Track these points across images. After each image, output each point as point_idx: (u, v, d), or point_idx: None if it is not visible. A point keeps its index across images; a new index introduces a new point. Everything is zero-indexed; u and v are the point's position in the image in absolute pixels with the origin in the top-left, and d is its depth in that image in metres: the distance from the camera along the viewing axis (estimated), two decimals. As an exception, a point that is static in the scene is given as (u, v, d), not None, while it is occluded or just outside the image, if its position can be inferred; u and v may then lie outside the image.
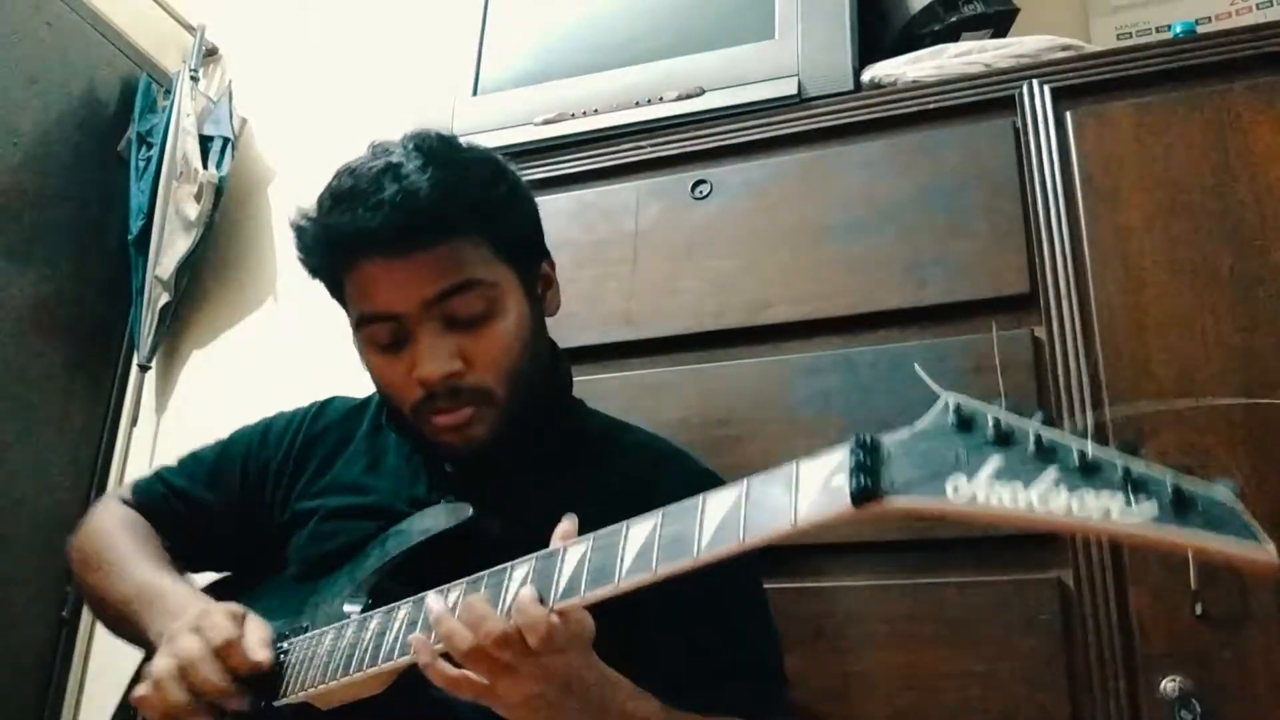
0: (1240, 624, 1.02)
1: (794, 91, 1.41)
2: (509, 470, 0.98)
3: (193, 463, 1.15)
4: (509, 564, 0.79)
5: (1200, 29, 1.42)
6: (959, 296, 1.24)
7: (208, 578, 1.13)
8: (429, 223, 0.92)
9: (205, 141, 2.18)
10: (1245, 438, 1.08)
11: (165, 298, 2.11)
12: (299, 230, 0.99)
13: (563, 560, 0.75)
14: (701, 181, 1.41)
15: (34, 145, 2.05)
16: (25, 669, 1.94)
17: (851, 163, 1.35)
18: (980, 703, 1.08)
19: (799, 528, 0.63)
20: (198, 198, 2.11)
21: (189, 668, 0.85)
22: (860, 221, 1.31)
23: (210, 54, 2.42)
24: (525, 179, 1.08)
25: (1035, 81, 1.29)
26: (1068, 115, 1.27)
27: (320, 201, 0.97)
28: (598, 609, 0.74)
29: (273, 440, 1.12)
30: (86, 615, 2.00)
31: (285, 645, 0.91)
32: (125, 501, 1.14)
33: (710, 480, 1.03)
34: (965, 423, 0.58)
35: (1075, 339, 1.17)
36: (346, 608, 0.92)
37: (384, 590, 0.92)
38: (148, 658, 1.05)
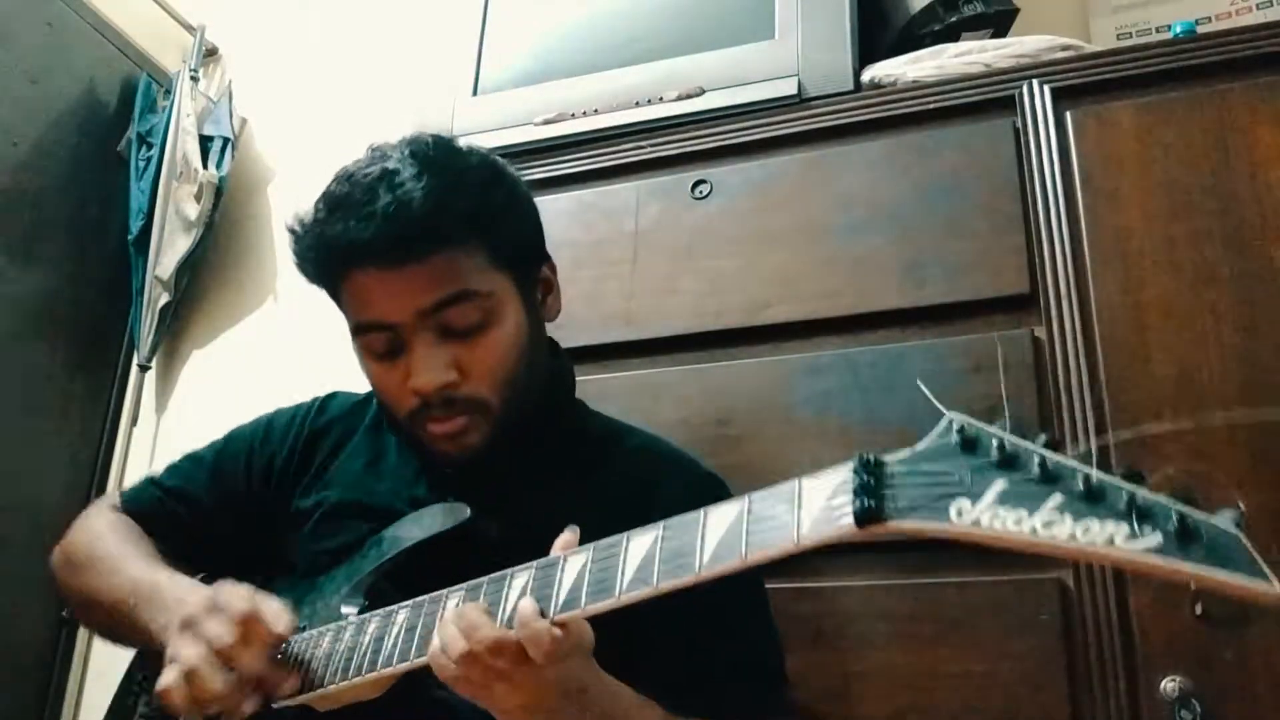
0: (1240, 624, 1.02)
1: (794, 91, 1.41)
2: (508, 472, 0.98)
3: (189, 464, 1.13)
4: (508, 571, 0.79)
5: (1200, 29, 1.42)
6: (959, 296, 1.24)
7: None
8: (423, 233, 0.91)
9: (205, 141, 2.18)
10: (1246, 439, 1.08)
11: (165, 298, 2.11)
12: (294, 237, 0.98)
13: (563, 571, 0.75)
14: (701, 181, 1.41)
15: (34, 145, 2.05)
16: (25, 669, 1.94)
17: (851, 163, 1.35)
18: (980, 703, 1.08)
19: (801, 546, 0.64)
20: (198, 198, 2.11)
21: (227, 651, 0.82)
22: (860, 221, 1.31)
23: (210, 54, 2.42)
24: (525, 179, 1.07)
25: (1035, 81, 1.29)
26: (1068, 115, 1.27)
27: (315, 208, 0.97)
28: (597, 615, 0.74)
29: (276, 436, 1.12)
30: (86, 615, 2.00)
31: (284, 645, 0.91)
32: (114, 508, 1.12)
33: (712, 484, 1.04)
34: (969, 444, 0.59)
35: (1075, 339, 1.17)
36: (344, 608, 0.91)
37: (381, 591, 0.92)
38: (143, 656, 1.05)
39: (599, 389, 1.26)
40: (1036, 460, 0.55)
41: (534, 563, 0.78)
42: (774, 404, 1.26)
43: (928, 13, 1.52)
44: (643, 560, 0.70)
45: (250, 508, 1.09)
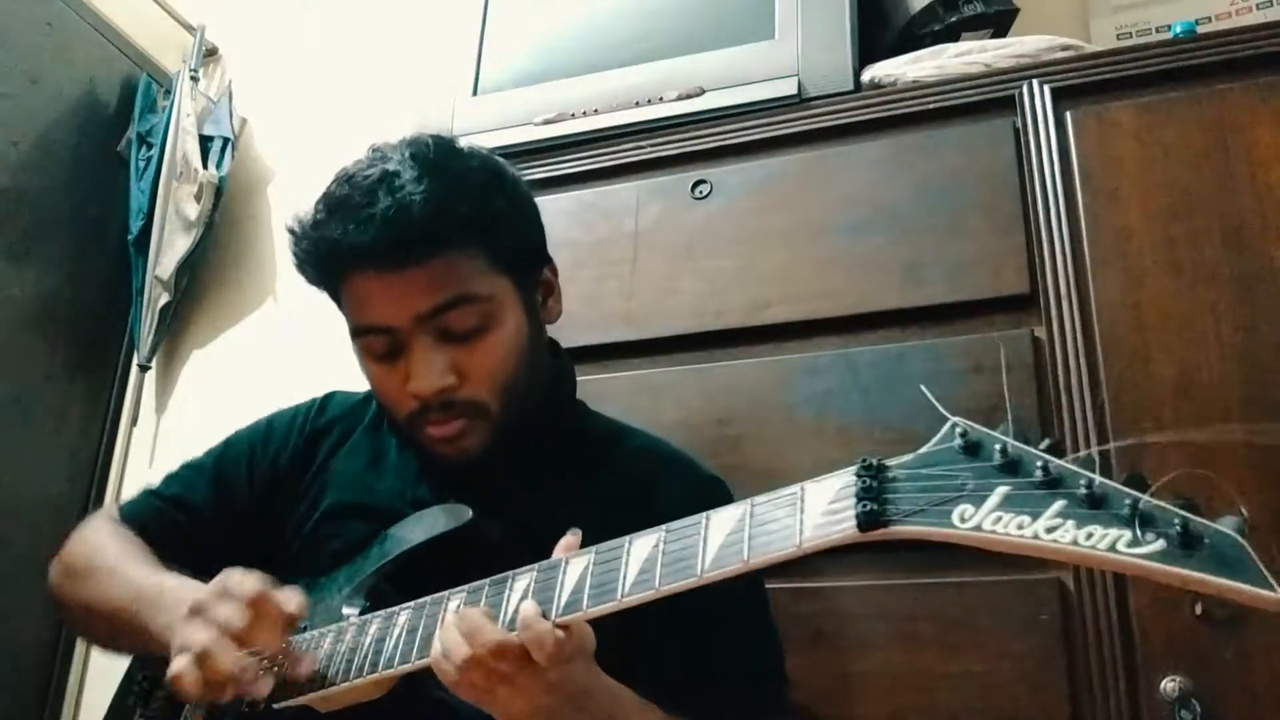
0: (1240, 624, 1.02)
1: (794, 91, 1.41)
2: (508, 474, 0.98)
3: (189, 472, 1.12)
4: (510, 574, 0.79)
5: (1200, 29, 1.42)
6: (959, 296, 1.24)
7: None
8: (422, 236, 0.90)
9: (205, 141, 2.18)
10: (1246, 438, 1.08)
11: (165, 298, 2.11)
12: (294, 238, 0.98)
13: (565, 573, 0.75)
14: (701, 181, 1.41)
15: (34, 145, 2.05)
16: (25, 669, 1.94)
17: (851, 163, 1.35)
18: (980, 703, 1.08)
19: (804, 549, 0.64)
20: (198, 198, 2.11)
21: (240, 634, 0.80)
22: (860, 221, 1.31)
23: (210, 54, 2.42)
24: (525, 179, 1.07)
25: (1035, 81, 1.29)
26: (1068, 115, 1.27)
27: (315, 209, 0.96)
28: (598, 618, 0.74)
29: (277, 438, 1.11)
30: (86, 615, 2.00)
31: (285, 645, 0.91)
32: (113, 520, 1.09)
33: (713, 486, 1.04)
34: (972, 448, 0.59)
35: (1075, 339, 1.17)
36: (345, 609, 0.91)
37: (382, 592, 0.92)
38: (142, 660, 1.03)
39: (599, 389, 1.26)
40: (1039, 465, 0.56)
41: (535, 565, 0.78)
42: (774, 404, 1.26)
43: (928, 13, 1.52)
44: (645, 563, 0.71)
45: (252, 511, 1.08)
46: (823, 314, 1.29)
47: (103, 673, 1.98)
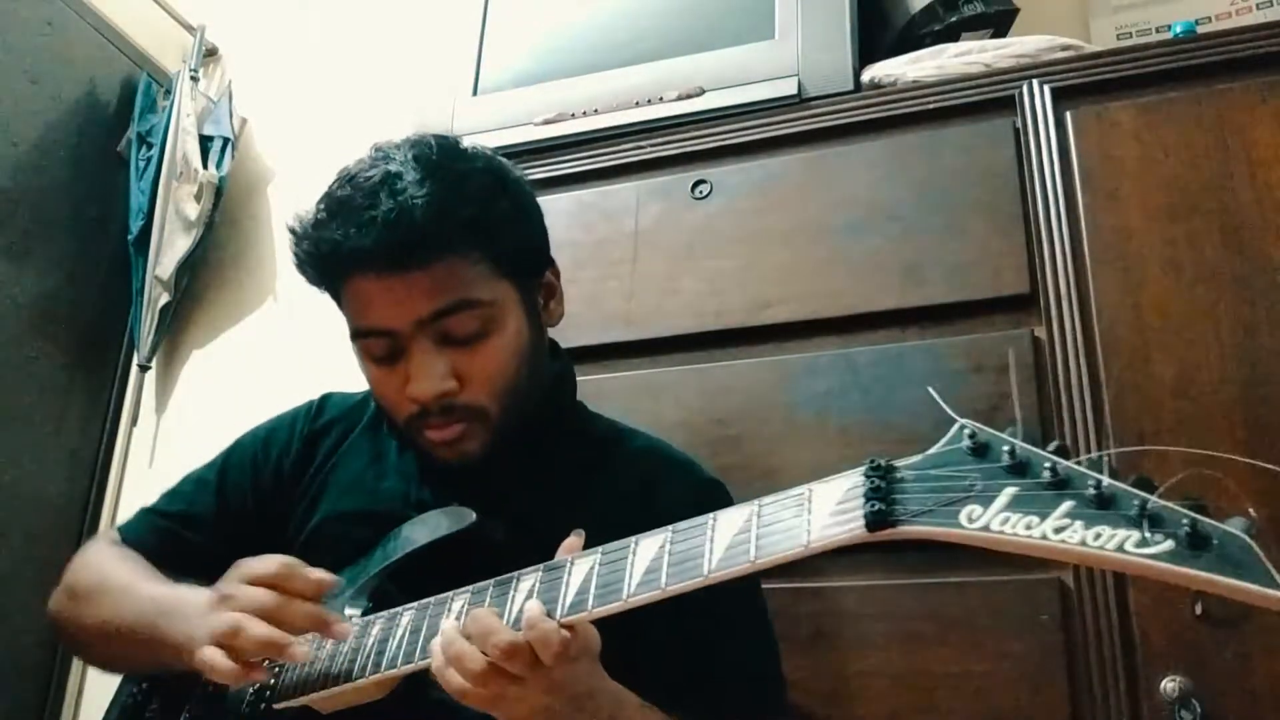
0: (1240, 624, 1.02)
1: (794, 91, 1.41)
2: (509, 475, 0.98)
3: (192, 487, 1.10)
4: (514, 574, 0.79)
5: (1200, 29, 1.43)
6: (959, 296, 1.24)
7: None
8: (424, 240, 0.90)
9: (205, 141, 2.18)
10: (1246, 439, 1.08)
11: (165, 298, 2.11)
12: (295, 239, 0.97)
13: (569, 573, 0.75)
14: (701, 181, 1.42)
15: (34, 145, 2.05)
16: (25, 669, 1.94)
17: (851, 163, 1.35)
18: (980, 703, 1.08)
19: (811, 549, 0.64)
20: (198, 198, 2.11)
21: (271, 611, 0.79)
22: (860, 221, 1.31)
23: (210, 54, 2.42)
24: (526, 179, 1.06)
25: (1035, 81, 1.30)
26: (1068, 115, 1.27)
27: (316, 210, 0.96)
28: (599, 619, 0.74)
29: (278, 443, 1.10)
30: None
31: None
32: (114, 543, 1.07)
33: (714, 488, 1.04)
34: (980, 449, 0.60)
35: (1075, 339, 1.17)
36: (348, 610, 0.91)
37: (385, 593, 0.92)
38: (152, 679, 1.01)
39: (599, 389, 1.26)
40: (1047, 466, 0.56)
41: (540, 566, 0.78)
42: (774, 404, 1.26)
43: (928, 13, 1.52)
44: (651, 563, 0.71)
45: (257, 520, 1.06)
46: (823, 314, 1.29)
47: (103, 673, 1.98)
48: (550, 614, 0.73)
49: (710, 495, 1.03)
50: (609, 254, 1.42)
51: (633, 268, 1.40)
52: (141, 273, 2.13)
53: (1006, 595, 1.11)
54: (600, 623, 0.75)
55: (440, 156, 0.95)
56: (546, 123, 1.53)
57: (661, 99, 1.48)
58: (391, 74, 2.13)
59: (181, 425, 2.12)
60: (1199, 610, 1.04)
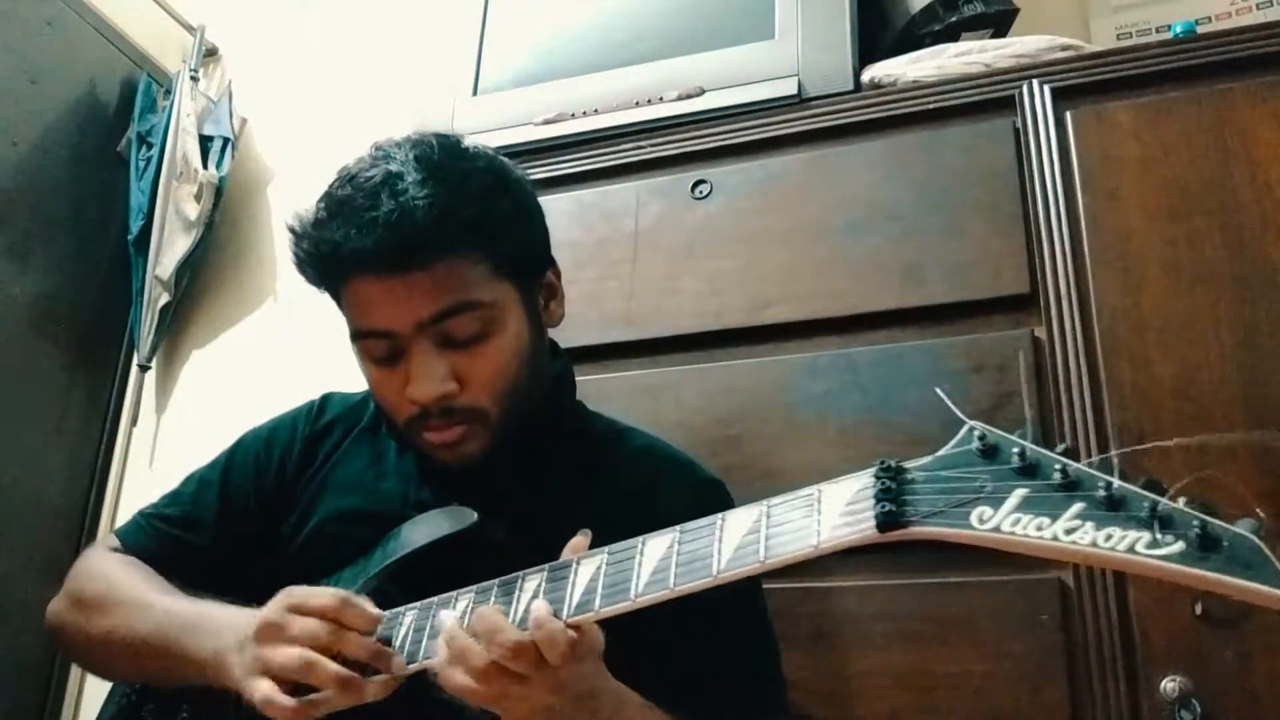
0: (1240, 624, 1.02)
1: (794, 91, 1.41)
2: (510, 476, 0.98)
3: (194, 487, 1.09)
4: (519, 574, 0.79)
5: (1200, 29, 1.43)
6: (959, 296, 1.24)
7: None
8: (425, 241, 0.89)
9: (205, 141, 2.18)
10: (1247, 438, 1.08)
11: (165, 298, 2.11)
12: (295, 239, 0.97)
13: (576, 573, 0.75)
14: (701, 181, 1.42)
15: (34, 145, 2.05)
16: (25, 669, 1.94)
17: (851, 163, 1.35)
18: (980, 703, 1.08)
19: (821, 550, 0.65)
20: (198, 198, 2.11)
21: (327, 645, 0.79)
22: (860, 221, 1.31)
23: (210, 54, 2.42)
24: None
25: (1035, 81, 1.30)
26: (1068, 115, 1.27)
27: (316, 210, 0.95)
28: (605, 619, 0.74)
29: (280, 444, 1.09)
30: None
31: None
32: (115, 550, 1.06)
33: (713, 487, 1.04)
34: (989, 451, 0.60)
35: (1075, 339, 1.17)
36: (348, 610, 0.91)
37: (386, 593, 0.92)
38: (164, 696, 1.00)
39: (599, 389, 1.26)
40: (1058, 468, 0.56)
41: (545, 566, 0.78)
42: (774, 404, 1.26)
43: (928, 13, 1.52)
44: (659, 563, 0.71)
45: (259, 521, 1.06)
46: (823, 314, 1.29)
47: (103, 673, 1.98)
48: (557, 614, 0.73)
49: (710, 494, 1.03)
50: (609, 254, 1.42)
51: (633, 268, 1.40)
52: (141, 273, 2.13)
53: (1006, 595, 1.11)
54: (602, 622, 0.75)
55: (441, 156, 0.94)
56: (546, 123, 1.53)
57: (661, 99, 1.48)
58: (391, 74, 2.13)
59: (181, 425, 2.12)
60: (1199, 610, 1.04)
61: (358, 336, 0.96)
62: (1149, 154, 1.22)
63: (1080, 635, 1.08)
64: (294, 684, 0.81)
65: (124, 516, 1.13)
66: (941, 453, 0.62)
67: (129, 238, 2.15)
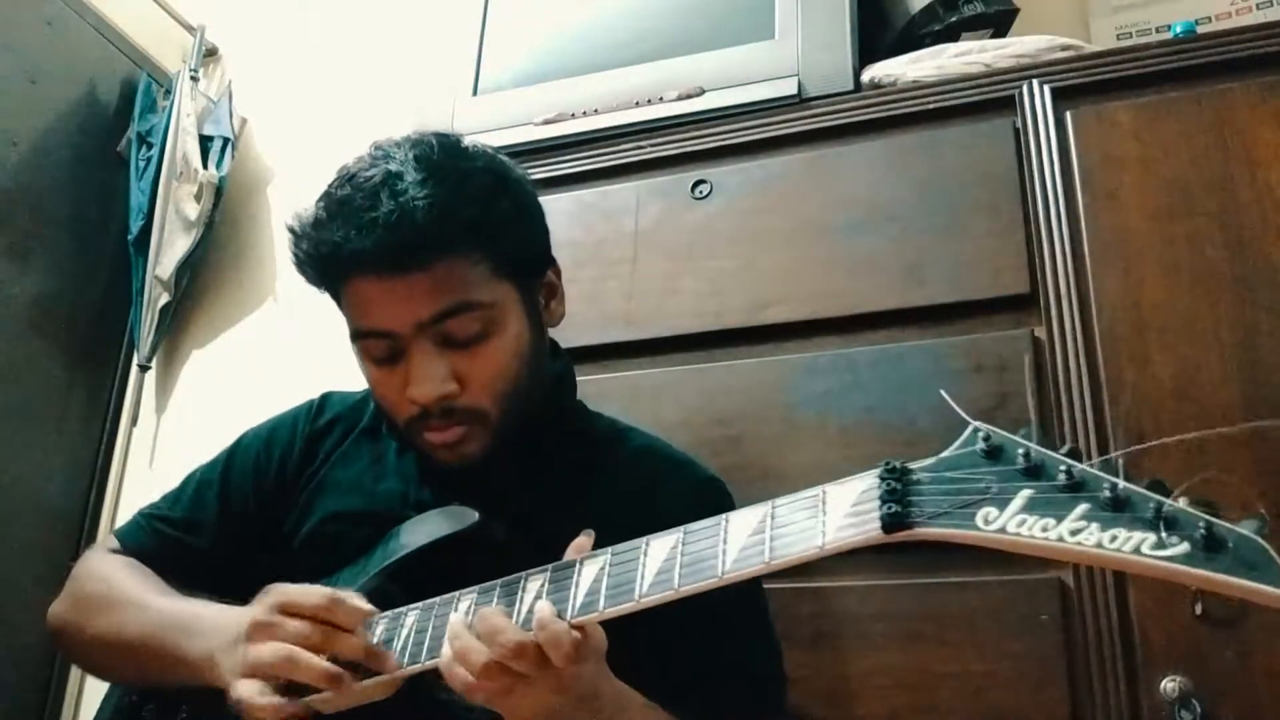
0: (1240, 624, 1.02)
1: (794, 91, 1.41)
2: (510, 476, 0.98)
3: (194, 488, 1.09)
4: (521, 574, 0.79)
5: (1200, 29, 1.43)
6: (959, 296, 1.24)
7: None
8: (425, 241, 0.89)
9: (205, 141, 2.18)
10: (1247, 438, 1.08)
11: (165, 298, 2.11)
12: (294, 239, 0.96)
13: (579, 574, 0.75)
14: (701, 181, 1.42)
15: (34, 145, 2.05)
16: (25, 669, 1.94)
17: (851, 163, 1.35)
18: (980, 703, 1.08)
19: (826, 551, 0.65)
20: (198, 198, 2.11)
21: (318, 644, 0.79)
22: (860, 221, 1.31)
23: (210, 54, 2.42)
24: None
25: (1035, 81, 1.30)
26: (1068, 115, 1.27)
27: (316, 209, 0.95)
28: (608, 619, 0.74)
29: (280, 444, 1.09)
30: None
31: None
32: (115, 551, 1.06)
33: (714, 488, 1.04)
34: (994, 452, 0.60)
35: (1075, 339, 1.17)
36: (349, 610, 0.91)
37: (387, 594, 0.92)
38: (164, 697, 0.99)
39: (599, 389, 1.26)
40: (1062, 469, 0.56)
41: (548, 566, 0.78)
42: (774, 404, 1.26)
43: (928, 13, 1.52)
44: (663, 564, 0.71)
45: (259, 522, 1.06)
46: (823, 314, 1.29)
47: (103, 673, 1.98)
48: (560, 615, 0.73)
49: (710, 493, 1.03)
50: (609, 254, 1.42)
51: (633, 268, 1.40)
52: (141, 273, 2.13)
53: (1006, 595, 1.11)
54: (603, 622, 0.75)
55: (441, 156, 0.94)
56: (546, 123, 1.53)
57: (661, 99, 1.48)
58: (391, 74, 2.13)
59: (181, 425, 2.12)
60: (1199, 610, 1.04)
61: (358, 337, 0.96)
62: (1149, 154, 1.22)
63: (1080, 635, 1.08)
64: (287, 684, 0.81)
65: (124, 517, 1.13)
66: (946, 453, 0.63)
67: (129, 238, 2.15)
